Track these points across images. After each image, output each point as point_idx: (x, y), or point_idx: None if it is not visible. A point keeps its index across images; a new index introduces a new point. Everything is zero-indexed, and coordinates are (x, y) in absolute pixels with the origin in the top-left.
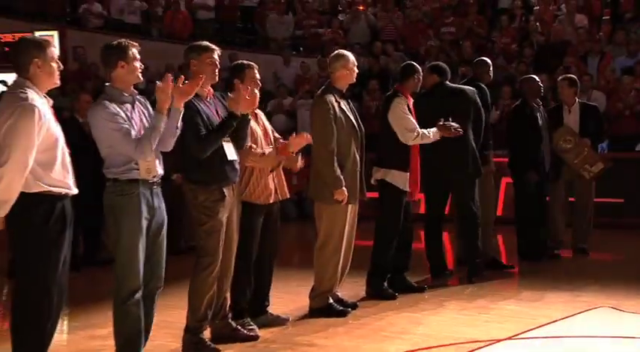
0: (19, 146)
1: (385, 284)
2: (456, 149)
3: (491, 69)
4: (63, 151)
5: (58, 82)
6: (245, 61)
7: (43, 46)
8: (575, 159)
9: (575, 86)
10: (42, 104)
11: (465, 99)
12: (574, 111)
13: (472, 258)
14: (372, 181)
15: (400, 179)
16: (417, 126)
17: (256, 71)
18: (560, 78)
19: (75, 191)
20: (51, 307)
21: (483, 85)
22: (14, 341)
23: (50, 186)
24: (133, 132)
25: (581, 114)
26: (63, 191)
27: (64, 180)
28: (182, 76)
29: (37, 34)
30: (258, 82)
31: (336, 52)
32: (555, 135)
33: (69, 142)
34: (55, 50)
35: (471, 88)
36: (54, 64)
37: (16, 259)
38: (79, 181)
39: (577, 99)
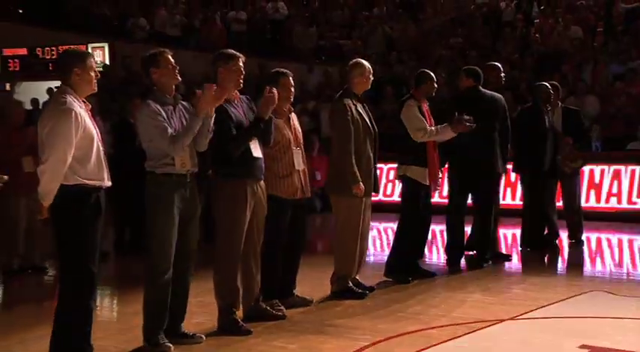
0: (58, 146)
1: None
2: (484, 150)
3: (502, 73)
4: (98, 149)
5: (95, 89)
6: (281, 70)
7: (82, 57)
8: (558, 156)
9: (557, 91)
10: (79, 108)
11: (500, 104)
12: (557, 113)
13: (484, 247)
14: (395, 177)
15: (419, 174)
16: (427, 125)
17: (291, 79)
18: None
19: (108, 184)
20: (92, 284)
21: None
22: (59, 318)
23: (85, 179)
24: (170, 130)
25: (563, 116)
26: (97, 183)
27: (97, 174)
28: (214, 85)
29: (90, 46)
30: (292, 89)
31: (355, 60)
32: None
33: (120, 142)
34: (93, 61)
35: (499, 94)
36: (92, 73)
37: (57, 243)
38: (129, 176)
39: (560, 103)
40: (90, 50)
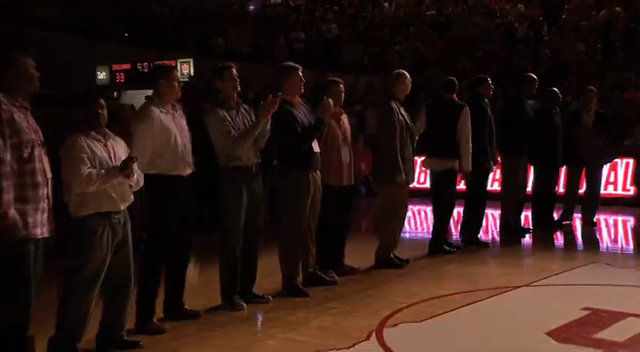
0: (138, 143)
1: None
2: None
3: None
4: (175, 145)
5: (179, 95)
6: (334, 79)
7: (167, 70)
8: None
9: (594, 97)
10: (159, 112)
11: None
12: (591, 116)
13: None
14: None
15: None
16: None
17: (341, 86)
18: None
19: (184, 174)
20: (183, 261)
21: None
22: (143, 289)
23: (161, 169)
24: (233, 132)
25: (596, 118)
26: (173, 173)
27: (174, 165)
28: (270, 95)
29: (179, 61)
30: (342, 95)
31: (398, 71)
32: None
33: (199, 141)
34: (177, 74)
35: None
36: (175, 83)
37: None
38: (208, 169)
39: (593, 108)
40: (178, 65)
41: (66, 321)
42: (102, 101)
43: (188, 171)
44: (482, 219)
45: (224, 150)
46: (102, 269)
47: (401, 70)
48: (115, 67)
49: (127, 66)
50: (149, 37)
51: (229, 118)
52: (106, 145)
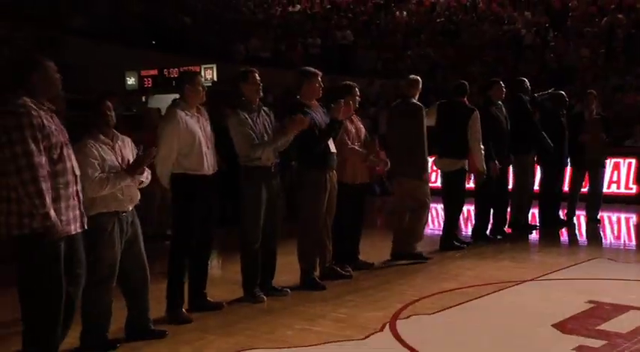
0: (163, 144)
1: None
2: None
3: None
4: (199, 145)
5: (204, 99)
6: (349, 83)
7: (192, 76)
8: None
9: (595, 99)
10: (184, 115)
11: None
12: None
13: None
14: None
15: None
16: None
17: (357, 90)
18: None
19: (208, 173)
20: (206, 255)
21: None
22: (169, 282)
23: (186, 169)
24: (253, 135)
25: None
26: (197, 173)
27: (198, 165)
28: (306, 119)
29: (203, 66)
30: (358, 98)
31: (412, 77)
32: None
33: (222, 143)
34: (201, 79)
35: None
36: (200, 88)
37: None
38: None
39: (595, 110)
40: (202, 70)
41: (91, 314)
42: (109, 103)
43: (212, 170)
44: (488, 216)
45: (244, 151)
46: (115, 262)
47: (415, 76)
48: (143, 72)
49: (154, 72)
50: (175, 45)
51: (250, 121)
52: (113, 148)
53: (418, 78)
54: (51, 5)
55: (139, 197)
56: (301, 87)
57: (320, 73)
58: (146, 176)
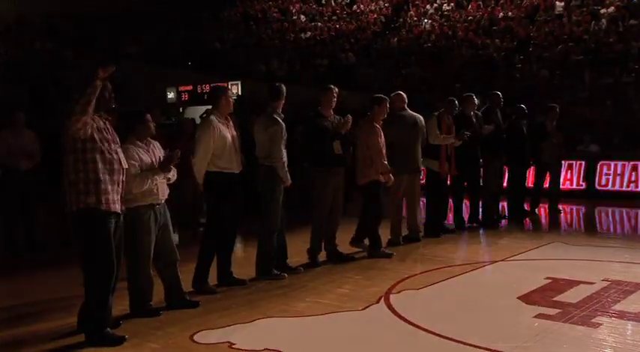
0: (201, 146)
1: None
2: None
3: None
4: (230, 148)
5: (231, 109)
6: (380, 95)
7: (224, 90)
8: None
9: (555, 113)
10: (218, 122)
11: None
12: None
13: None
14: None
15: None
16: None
17: (387, 102)
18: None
19: (236, 171)
20: (232, 239)
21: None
22: (199, 261)
23: (219, 168)
24: (280, 141)
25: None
26: (229, 171)
27: (229, 164)
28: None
29: (230, 83)
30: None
31: (396, 92)
32: None
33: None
34: (231, 93)
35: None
36: (230, 100)
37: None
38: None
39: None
40: (230, 86)
41: (136, 286)
42: (148, 116)
43: (239, 168)
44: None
45: (264, 152)
46: (151, 244)
47: (399, 91)
48: (181, 88)
49: (189, 87)
50: (207, 65)
51: (283, 129)
52: (147, 151)
53: (401, 92)
54: (110, 36)
55: (168, 192)
56: (320, 99)
57: (335, 88)
58: (173, 174)
